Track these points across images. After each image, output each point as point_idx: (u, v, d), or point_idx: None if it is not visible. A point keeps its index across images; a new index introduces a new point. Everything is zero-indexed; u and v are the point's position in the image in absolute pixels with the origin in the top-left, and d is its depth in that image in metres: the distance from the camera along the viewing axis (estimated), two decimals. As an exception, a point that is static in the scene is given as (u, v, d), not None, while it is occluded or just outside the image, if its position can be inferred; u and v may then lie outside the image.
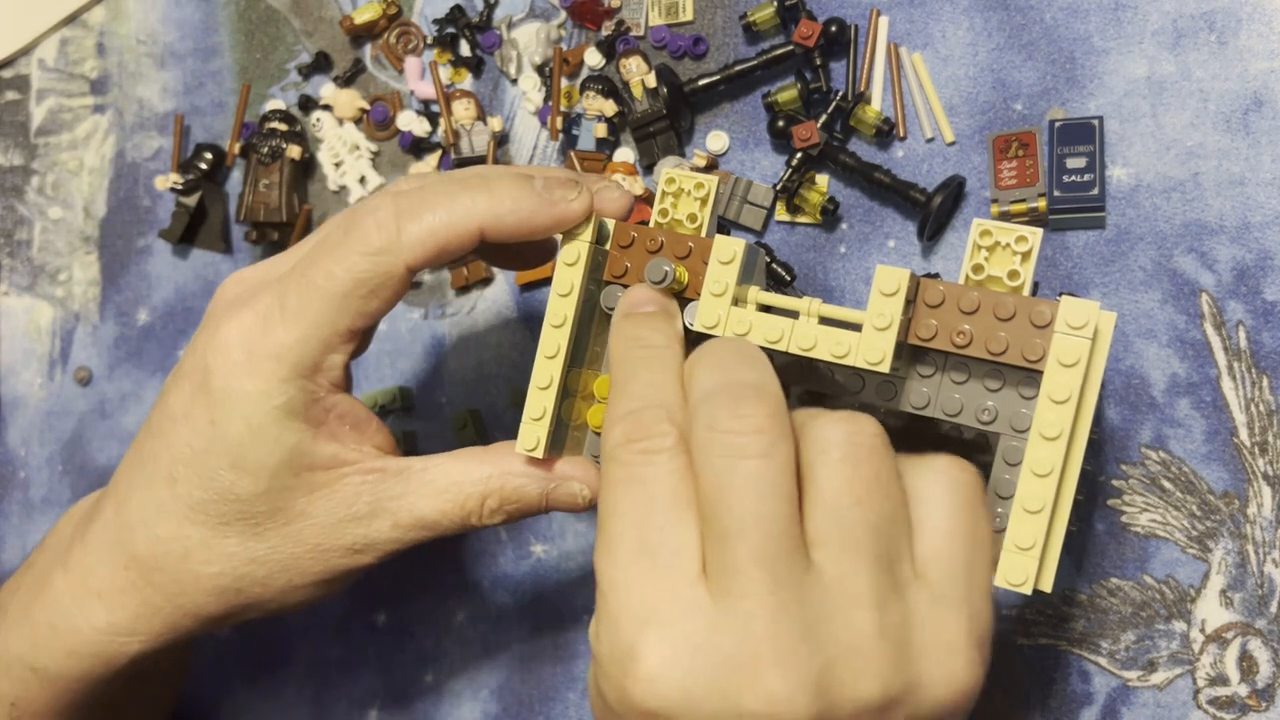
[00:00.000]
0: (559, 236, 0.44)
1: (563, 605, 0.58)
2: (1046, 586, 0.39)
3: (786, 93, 0.54)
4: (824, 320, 0.42)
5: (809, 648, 0.34)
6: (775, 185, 0.54)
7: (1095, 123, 0.50)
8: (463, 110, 0.59)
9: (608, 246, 0.45)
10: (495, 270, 0.60)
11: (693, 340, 0.44)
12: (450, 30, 0.61)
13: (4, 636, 0.48)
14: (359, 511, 0.46)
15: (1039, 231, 0.40)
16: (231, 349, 0.44)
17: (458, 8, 0.61)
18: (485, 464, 0.46)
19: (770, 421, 0.36)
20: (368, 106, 0.62)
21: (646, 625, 0.35)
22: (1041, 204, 0.50)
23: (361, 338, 0.46)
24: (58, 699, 0.48)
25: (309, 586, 0.47)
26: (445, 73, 0.61)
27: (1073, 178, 0.50)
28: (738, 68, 0.55)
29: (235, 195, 0.65)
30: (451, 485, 0.46)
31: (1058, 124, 0.50)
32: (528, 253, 0.51)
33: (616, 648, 0.36)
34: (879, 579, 0.35)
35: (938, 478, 0.38)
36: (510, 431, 0.59)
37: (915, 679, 0.35)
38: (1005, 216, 0.50)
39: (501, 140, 0.60)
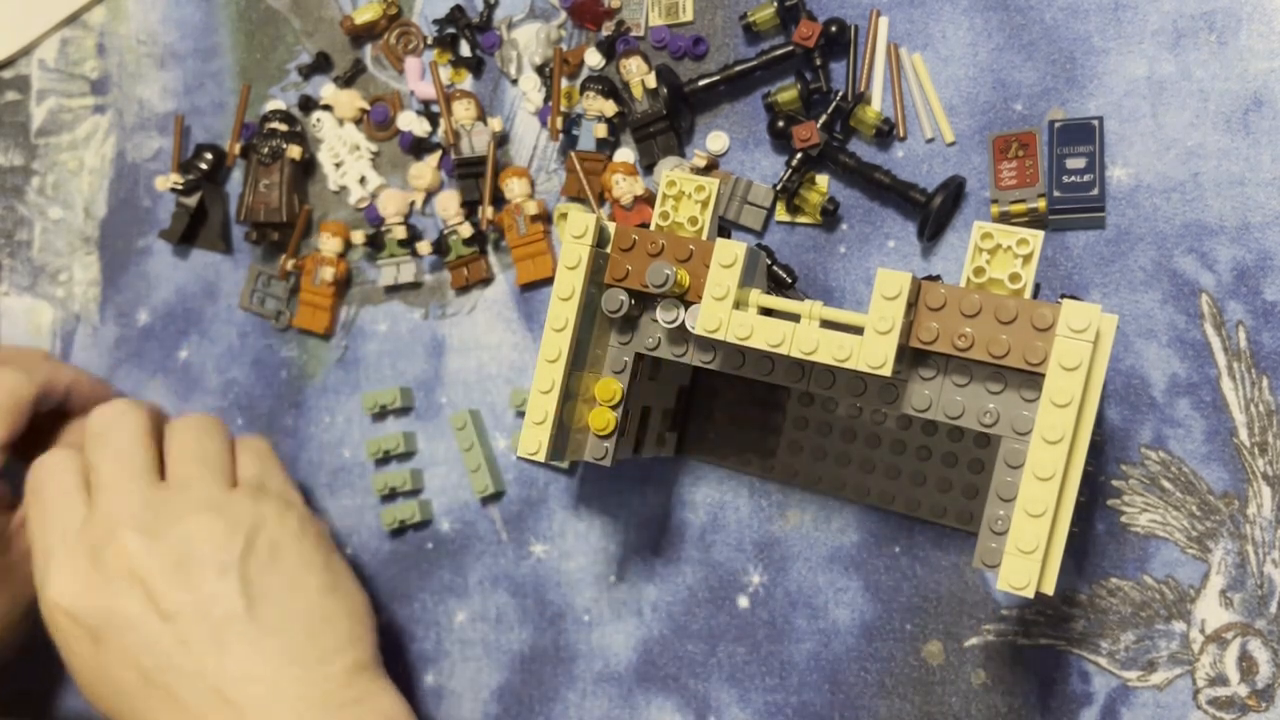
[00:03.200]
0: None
1: (563, 605, 0.58)
2: (1049, 589, 0.39)
3: (786, 93, 0.54)
4: (825, 323, 0.42)
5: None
6: (775, 185, 0.54)
7: (1095, 123, 0.50)
8: (463, 110, 0.59)
9: (609, 250, 0.45)
10: (495, 270, 0.60)
11: (701, 343, 0.44)
12: (450, 30, 0.61)
13: None
14: None
15: (1040, 234, 0.40)
16: None
17: (458, 8, 0.61)
18: None
19: None
20: (368, 107, 0.62)
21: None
22: (1041, 204, 0.50)
23: None
24: None
25: None
26: (445, 73, 0.61)
27: (1073, 178, 0.50)
28: (738, 68, 0.55)
29: (235, 195, 0.65)
30: None
31: (1058, 124, 0.50)
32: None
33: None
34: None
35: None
36: (509, 432, 0.60)
37: None
38: (1005, 217, 0.50)
39: (501, 140, 0.60)
